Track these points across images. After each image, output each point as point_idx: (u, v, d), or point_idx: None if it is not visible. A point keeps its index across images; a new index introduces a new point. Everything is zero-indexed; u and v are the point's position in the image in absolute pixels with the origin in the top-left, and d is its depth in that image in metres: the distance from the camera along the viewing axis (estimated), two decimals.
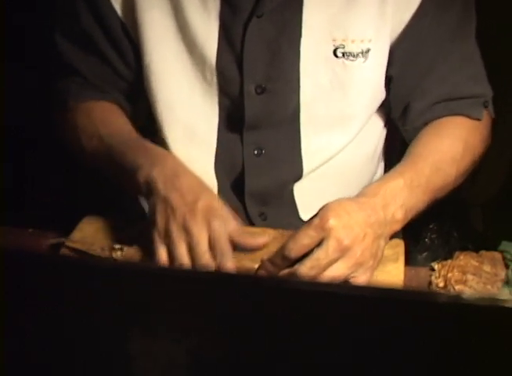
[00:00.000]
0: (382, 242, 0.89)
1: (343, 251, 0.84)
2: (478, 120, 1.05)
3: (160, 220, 0.89)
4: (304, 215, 1.10)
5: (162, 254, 0.88)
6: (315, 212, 1.08)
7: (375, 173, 1.16)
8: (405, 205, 0.91)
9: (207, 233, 0.86)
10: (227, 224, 0.88)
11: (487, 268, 0.91)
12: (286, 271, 0.86)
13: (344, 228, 0.84)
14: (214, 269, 0.85)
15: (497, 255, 0.94)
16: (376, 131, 1.12)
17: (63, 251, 0.96)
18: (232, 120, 1.06)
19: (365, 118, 1.07)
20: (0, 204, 1.28)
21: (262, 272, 0.87)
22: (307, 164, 1.07)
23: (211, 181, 1.07)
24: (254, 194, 1.08)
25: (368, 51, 1.00)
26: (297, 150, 1.06)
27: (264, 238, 0.90)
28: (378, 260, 0.88)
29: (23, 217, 1.10)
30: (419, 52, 1.03)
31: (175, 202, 0.88)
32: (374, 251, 0.87)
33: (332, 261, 0.84)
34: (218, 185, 1.08)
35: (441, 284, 0.90)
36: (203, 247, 0.86)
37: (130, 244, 0.93)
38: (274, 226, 1.01)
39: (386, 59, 1.02)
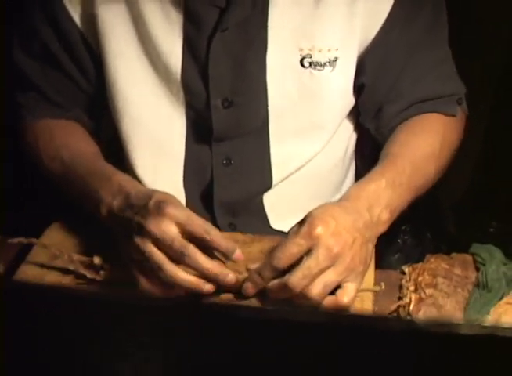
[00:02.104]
0: (370, 245, 0.88)
1: (333, 259, 0.82)
2: (453, 116, 1.05)
3: (126, 244, 0.87)
4: (275, 223, 1.09)
5: (143, 282, 0.85)
6: (285, 221, 1.08)
7: (346, 178, 1.16)
8: (390, 205, 0.90)
9: (168, 223, 0.83)
10: (183, 208, 0.85)
11: (457, 271, 0.91)
12: (275, 282, 0.83)
13: (333, 235, 0.82)
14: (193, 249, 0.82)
15: (468, 258, 0.94)
16: (345, 137, 1.11)
17: (36, 252, 0.94)
18: (201, 131, 1.05)
19: (335, 126, 1.06)
20: None
21: (249, 286, 0.85)
22: (276, 173, 1.06)
23: (180, 193, 1.06)
24: (223, 205, 1.07)
25: (335, 60, 0.99)
26: (266, 160, 1.05)
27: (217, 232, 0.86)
28: (368, 265, 0.87)
29: None
30: (390, 60, 1.02)
31: (130, 217, 0.86)
32: (363, 255, 0.85)
33: (323, 269, 0.82)
34: (187, 197, 1.07)
35: (412, 288, 0.89)
36: (167, 234, 0.82)
37: (101, 252, 0.92)
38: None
39: (354, 67, 1.02)
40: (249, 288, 0.85)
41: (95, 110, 1.10)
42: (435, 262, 0.92)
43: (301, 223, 0.84)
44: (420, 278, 0.90)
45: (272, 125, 1.04)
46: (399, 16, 0.99)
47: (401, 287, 0.91)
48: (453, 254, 0.95)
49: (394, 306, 0.87)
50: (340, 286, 0.83)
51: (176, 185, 1.06)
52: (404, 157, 0.97)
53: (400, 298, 0.89)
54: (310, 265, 0.81)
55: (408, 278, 0.91)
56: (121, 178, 0.95)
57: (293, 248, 0.82)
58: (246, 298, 0.87)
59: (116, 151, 1.08)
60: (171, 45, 0.99)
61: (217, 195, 1.06)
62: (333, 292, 0.84)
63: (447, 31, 1.05)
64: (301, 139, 1.05)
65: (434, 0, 1.03)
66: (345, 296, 0.83)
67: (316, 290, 0.81)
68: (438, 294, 0.87)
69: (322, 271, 0.81)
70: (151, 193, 0.88)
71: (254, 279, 0.85)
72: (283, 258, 0.82)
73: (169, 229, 0.83)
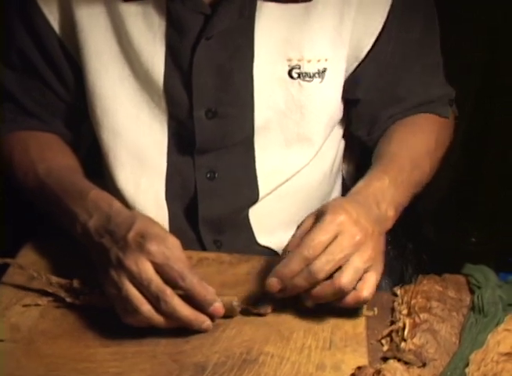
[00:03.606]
0: (383, 239, 0.88)
1: (356, 246, 0.81)
2: (446, 118, 1.06)
3: (102, 272, 0.83)
4: (261, 238, 1.05)
5: (121, 310, 0.81)
6: (272, 236, 1.05)
7: (333, 190, 1.13)
8: (394, 202, 0.91)
9: (146, 260, 0.79)
10: (165, 243, 0.80)
11: (451, 293, 0.88)
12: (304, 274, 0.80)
13: (355, 223, 0.82)
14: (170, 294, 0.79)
15: (461, 279, 0.91)
16: (332, 150, 1.09)
17: (12, 272, 0.91)
18: (183, 143, 1.01)
19: (322, 139, 1.04)
20: None
21: (274, 280, 0.81)
22: (263, 186, 1.03)
23: (162, 208, 1.02)
24: (207, 220, 1.03)
25: (324, 71, 0.97)
26: (252, 173, 1.03)
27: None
28: (384, 257, 0.86)
29: None
30: (385, 72, 1.01)
31: (108, 246, 0.82)
32: (381, 246, 0.86)
33: (346, 256, 0.80)
34: (170, 213, 1.03)
35: (405, 312, 0.86)
36: (145, 274, 0.78)
37: (80, 273, 0.88)
38: (228, 253, 0.97)
39: (342, 79, 1.00)
40: (274, 283, 0.81)
41: (75, 121, 1.05)
42: (428, 284, 0.89)
43: (319, 214, 0.83)
44: (413, 301, 0.87)
45: (258, 137, 1.01)
46: (394, 28, 0.98)
47: (393, 309, 0.88)
48: (446, 275, 0.92)
49: (386, 331, 0.85)
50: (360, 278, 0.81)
51: (158, 199, 1.02)
52: (403, 156, 0.97)
53: (393, 322, 0.86)
54: (334, 250, 0.80)
55: (400, 301, 0.88)
56: (99, 195, 0.90)
57: (322, 236, 0.80)
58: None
59: (96, 163, 1.04)
60: (154, 53, 0.95)
61: (201, 210, 1.03)
62: None
63: (438, 37, 1.04)
64: (288, 151, 1.03)
65: (426, 10, 1.02)
66: (365, 289, 0.81)
67: (347, 277, 0.79)
68: (432, 318, 0.84)
69: (345, 257, 0.80)
70: (132, 219, 0.83)
71: (280, 273, 0.81)
72: (314, 247, 0.80)
73: (148, 269, 0.79)
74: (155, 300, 0.79)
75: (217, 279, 0.90)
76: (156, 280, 0.79)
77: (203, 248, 1.04)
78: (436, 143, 1.02)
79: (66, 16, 0.96)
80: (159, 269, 0.79)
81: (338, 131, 1.09)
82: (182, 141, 1.01)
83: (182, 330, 0.82)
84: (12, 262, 0.91)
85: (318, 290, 0.81)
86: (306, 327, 0.84)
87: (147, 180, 1.02)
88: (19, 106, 1.03)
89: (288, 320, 0.85)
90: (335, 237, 0.80)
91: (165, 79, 0.96)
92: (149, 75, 0.96)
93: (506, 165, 1.72)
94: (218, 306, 0.81)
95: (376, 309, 0.85)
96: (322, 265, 0.79)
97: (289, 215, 1.05)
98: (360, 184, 0.92)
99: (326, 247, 0.80)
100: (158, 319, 0.80)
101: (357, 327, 0.84)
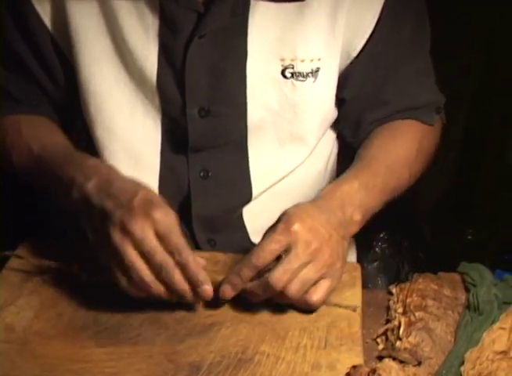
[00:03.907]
0: (345, 243, 0.87)
1: (312, 254, 0.81)
2: (431, 125, 1.05)
3: (101, 235, 0.82)
4: (255, 238, 1.05)
5: (118, 276, 0.81)
6: None
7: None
8: (362, 206, 0.90)
9: (151, 227, 0.79)
10: (169, 215, 0.81)
11: (447, 291, 0.88)
12: (255, 282, 0.82)
13: (310, 231, 0.82)
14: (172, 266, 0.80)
15: (456, 277, 0.91)
16: (326, 150, 1.09)
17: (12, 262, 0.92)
18: (176, 141, 1.01)
19: (316, 139, 1.04)
20: None
21: (227, 288, 0.83)
22: (256, 186, 1.03)
23: None
24: (201, 219, 1.03)
25: (318, 70, 0.97)
26: (246, 172, 1.02)
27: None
28: (344, 262, 0.86)
29: None
30: (374, 73, 1.01)
31: (110, 208, 0.81)
32: (341, 252, 0.85)
33: (303, 264, 0.81)
34: None
35: (400, 310, 0.86)
36: (150, 243, 0.79)
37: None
38: (223, 252, 0.97)
39: (336, 78, 1.00)
40: (227, 290, 0.83)
41: (69, 117, 1.05)
42: (423, 283, 0.89)
43: (277, 222, 0.83)
44: (408, 299, 0.87)
45: (251, 136, 1.01)
46: (386, 28, 0.97)
47: (388, 308, 0.88)
48: (441, 274, 0.92)
49: (382, 330, 0.85)
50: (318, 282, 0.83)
51: None
52: (379, 160, 0.97)
53: (388, 321, 0.86)
54: (290, 259, 0.80)
55: (396, 299, 0.88)
56: (97, 161, 0.91)
57: (272, 245, 0.81)
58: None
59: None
60: (147, 51, 0.95)
61: (195, 209, 1.03)
62: None
63: (429, 42, 1.04)
64: (281, 150, 1.03)
65: (417, 12, 1.01)
66: (315, 294, 0.82)
67: (294, 287, 0.81)
68: (428, 317, 0.84)
69: (302, 266, 0.81)
70: (137, 186, 0.84)
71: (232, 280, 0.83)
72: (262, 256, 0.81)
73: (152, 238, 0.80)
74: (157, 269, 0.80)
75: (211, 278, 0.89)
76: (160, 250, 0.80)
77: (197, 247, 1.04)
78: (417, 151, 1.01)
79: (58, 14, 0.96)
80: (159, 238, 0.80)
81: (333, 131, 1.09)
82: (176, 139, 1.01)
83: (177, 329, 0.83)
84: (11, 254, 0.92)
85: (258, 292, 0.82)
86: (301, 327, 0.84)
87: (140, 178, 1.01)
88: (9, 94, 1.04)
89: (283, 319, 0.85)
90: (289, 246, 0.81)
91: (158, 77, 0.96)
92: (142, 73, 0.96)
93: (503, 166, 1.72)
94: (207, 289, 0.81)
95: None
96: (279, 276, 0.80)
97: None
98: (328, 187, 0.92)
99: (282, 257, 0.81)
100: (159, 288, 0.81)
101: (352, 326, 0.84)
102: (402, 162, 0.99)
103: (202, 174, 1.02)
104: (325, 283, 0.83)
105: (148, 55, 0.95)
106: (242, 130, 1.00)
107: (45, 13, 0.97)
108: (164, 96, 0.98)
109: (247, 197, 1.04)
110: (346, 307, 0.86)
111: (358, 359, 0.79)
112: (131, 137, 1.00)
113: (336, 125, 1.09)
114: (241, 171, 1.03)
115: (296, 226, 0.81)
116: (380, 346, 0.82)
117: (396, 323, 0.84)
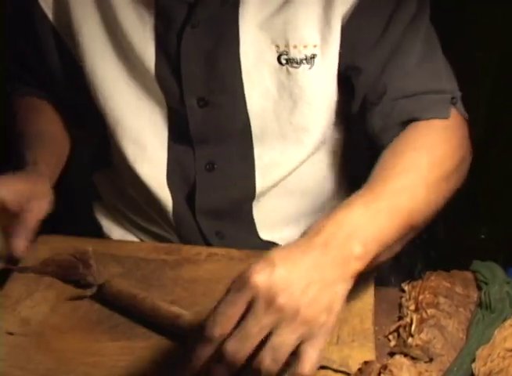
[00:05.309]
0: (338, 287, 0.69)
1: (278, 312, 0.64)
2: (446, 119, 0.92)
3: None
4: (263, 233, 1.06)
5: None
6: (274, 231, 1.05)
7: (340, 185, 1.11)
8: (363, 237, 0.72)
9: None
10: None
11: (459, 289, 0.88)
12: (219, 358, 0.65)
13: (278, 281, 0.65)
14: None
15: (469, 275, 0.91)
16: (333, 147, 1.06)
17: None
18: (182, 133, 1.02)
19: (320, 130, 1.01)
20: None
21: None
22: (260, 179, 1.03)
23: (166, 197, 1.04)
24: (205, 211, 1.04)
25: (313, 57, 0.95)
26: (250, 165, 1.02)
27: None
28: (336, 311, 0.68)
29: None
30: (370, 30, 0.94)
31: None
32: (325, 301, 0.66)
33: (265, 327, 0.64)
34: (173, 201, 1.04)
35: (412, 307, 0.86)
36: None
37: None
38: (232, 246, 0.98)
39: (336, 66, 0.96)
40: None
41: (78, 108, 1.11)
42: (436, 280, 0.90)
43: (239, 275, 0.67)
44: (420, 297, 0.87)
45: (254, 127, 1.00)
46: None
47: (400, 305, 0.88)
48: (453, 272, 0.92)
49: (394, 326, 0.85)
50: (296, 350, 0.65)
51: (162, 189, 1.04)
52: (384, 181, 0.81)
53: (400, 318, 0.86)
54: (247, 323, 0.64)
55: (408, 297, 0.89)
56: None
57: (228, 309, 0.64)
58: None
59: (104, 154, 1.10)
60: (144, 43, 0.97)
61: (199, 201, 1.03)
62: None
63: (434, 31, 0.97)
64: (286, 142, 1.01)
65: None
66: (301, 368, 0.64)
67: (266, 358, 0.64)
68: (439, 314, 0.84)
69: (263, 330, 0.64)
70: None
71: (188, 363, 0.66)
72: (220, 324, 0.64)
73: None
74: None
75: (226, 274, 0.90)
76: None
77: (205, 238, 1.05)
78: (429, 164, 0.84)
79: (60, 7, 0.99)
80: None
81: (341, 125, 1.05)
82: (182, 132, 1.01)
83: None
84: (14, 269, 0.93)
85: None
86: None
87: (150, 169, 1.03)
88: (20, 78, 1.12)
89: None
90: (250, 305, 0.64)
91: (156, 68, 0.97)
92: (142, 64, 0.98)
93: None
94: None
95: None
96: (234, 346, 0.63)
97: (291, 211, 1.05)
98: (320, 218, 0.74)
99: (241, 320, 0.64)
100: None
101: (364, 322, 0.84)
102: (412, 179, 0.81)
103: (208, 166, 1.02)
104: (310, 352, 0.65)
105: (146, 47, 0.97)
106: (244, 120, 0.99)
107: (48, 6, 1.00)
108: (164, 88, 0.99)
109: (251, 191, 1.03)
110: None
111: (370, 355, 0.79)
112: (139, 129, 1.02)
113: (351, 129, 1.05)
114: (246, 164, 1.02)
115: (257, 278, 0.64)
116: (392, 343, 0.83)
117: (408, 320, 0.85)
